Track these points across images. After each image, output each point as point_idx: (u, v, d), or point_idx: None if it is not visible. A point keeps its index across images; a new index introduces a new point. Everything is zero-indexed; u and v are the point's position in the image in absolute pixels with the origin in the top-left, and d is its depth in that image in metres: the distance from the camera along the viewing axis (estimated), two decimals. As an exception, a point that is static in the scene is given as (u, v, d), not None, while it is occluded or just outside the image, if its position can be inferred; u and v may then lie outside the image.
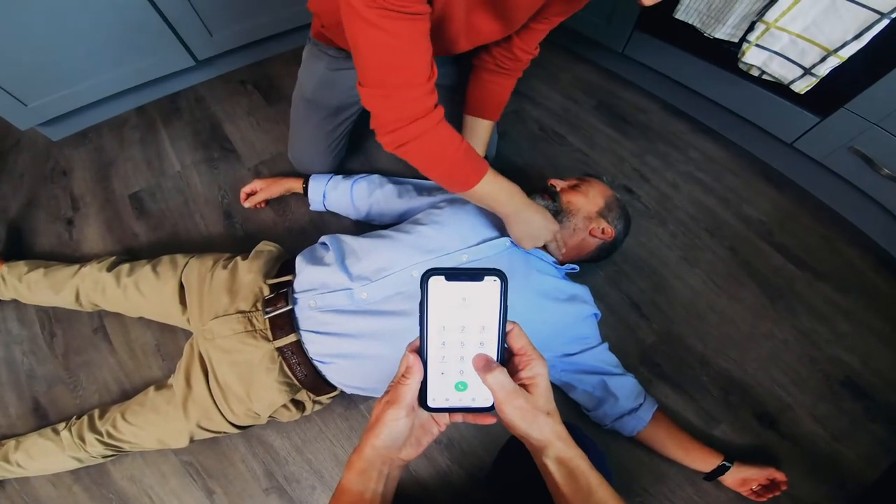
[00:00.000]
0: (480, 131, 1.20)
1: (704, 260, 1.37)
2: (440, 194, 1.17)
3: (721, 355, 1.21)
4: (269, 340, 0.90)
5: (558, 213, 1.06)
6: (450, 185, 0.88)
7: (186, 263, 1.06)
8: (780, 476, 0.98)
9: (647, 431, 1.02)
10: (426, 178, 1.22)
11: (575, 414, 1.11)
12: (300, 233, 1.38)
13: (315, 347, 0.90)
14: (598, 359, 1.04)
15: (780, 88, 1.30)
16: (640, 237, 1.40)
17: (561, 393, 1.10)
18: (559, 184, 1.12)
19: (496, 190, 0.91)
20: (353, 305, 0.89)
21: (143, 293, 1.06)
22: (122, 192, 1.49)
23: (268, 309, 0.91)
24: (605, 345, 1.06)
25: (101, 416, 1.00)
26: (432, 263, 0.91)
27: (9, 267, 1.18)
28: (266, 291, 0.95)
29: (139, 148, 1.62)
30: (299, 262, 0.99)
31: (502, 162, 1.55)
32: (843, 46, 1.06)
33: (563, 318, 0.99)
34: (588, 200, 1.08)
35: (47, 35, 1.32)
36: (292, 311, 0.91)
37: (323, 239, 1.03)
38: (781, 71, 1.20)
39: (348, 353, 0.88)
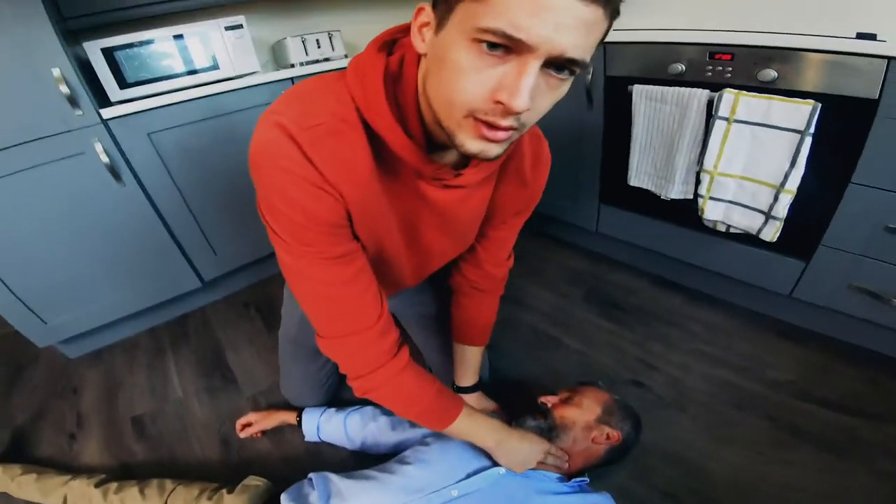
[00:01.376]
0: (469, 358, 1.18)
1: (739, 435, 1.20)
2: None
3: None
4: None
5: (552, 430, 1.03)
6: (424, 424, 0.89)
7: (173, 490, 1.06)
8: None
9: None
10: None
11: None
12: (295, 462, 1.31)
13: None
14: None
15: (756, 240, 1.31)
16: (659, 428, 1.25)
17: None
18: (550, 400, 1.10)
19: (474, 427, 0.93)
20: None
21: None
22: (126, 413, 1.51)
23: None
24: None
25: None
26: (421, 503, 0.89)
27: (3, 467, 1.22)
28: None
29: (146, 373, 1.66)
30: (285, 500, 0.96)
31: (498, 377, 1.46)
32: (786, 179, 1.11)
33: None
34: (582, 411, 1.05)
35: (69, 257, 1.49)
36: None
37: (311, 475, 1.00)
38: (744, 221, 1.23)
39: None
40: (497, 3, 0.42)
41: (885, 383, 1.27)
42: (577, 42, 0.44)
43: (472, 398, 1.20)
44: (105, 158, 1.41)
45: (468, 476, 0.92)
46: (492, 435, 0.93)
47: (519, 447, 0.94)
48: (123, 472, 1.26)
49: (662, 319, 1.60)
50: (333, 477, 0.98)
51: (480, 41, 0.45)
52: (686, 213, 1.40)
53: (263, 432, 1.38)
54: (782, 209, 1.15)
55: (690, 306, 1.63)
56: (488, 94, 0.48)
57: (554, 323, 1.67)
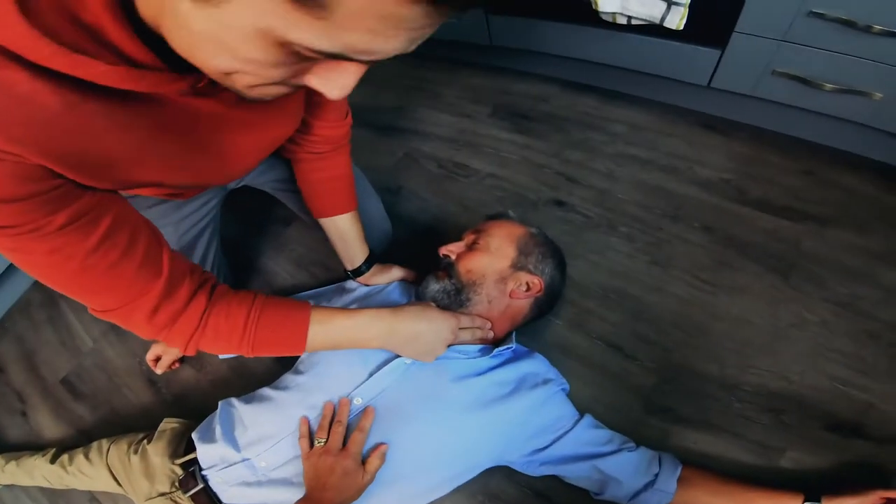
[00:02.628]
0: (344, 229, 0.97)
1: (679, 255, 1.11)
2: None
3: (748, 370, 0.94)
4: None
5: (460, 291, 0.85)
6: (278, 353, 0.71)
7: (108, 449, 1.06)
8: (893, 494, 0.72)
9: (680, 499, 0.79)
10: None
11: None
12: (224, 384, 1.27)
13: None
14: (579, 441, 0.82)
15: (663, 31, 1.07)
16: (591, 256, 1.14)
17: (558, 480, 0.87)
18: (453, 250, 0.90)
19: (341, 331, 0.72)
20: (257, 476, 0.80)
21: (91, 477, 1.07)
22: (53, 378, 1.47)
23: (184, 489, 0.87)
24: (586, 420, 0.84)
25: None
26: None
27: None
28: (178, 471, 0.90)
29: (50, 329, 1.57)
30: (195, 439, 0.89)
31: (406, 227, 1.31)
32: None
33: (514, 417, 0.79)
34: (493, 257, 0.87)
35: None
36: (209, 487, 0.85)
37: (220, 404, 0.94)
38: (644, 10, 1.03)
39: None
40: (336, 24, 0.27)
41: (820, 173, 1.15)
42: None
43: (371, 278, 1.03)
44: None
45: (370, 376, 0.79)
46: (369, 330, 0.73)
47: (416, 332, 0.75)
48: (82, 437, 1.24)
49: (579, 123, 1.40)
50: (236, 403, 0.90)
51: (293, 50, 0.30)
52: (583, 9, 1.12)
53: (182, 360, 1.31)
54: (684, -7, 0.91)
55: (608, 107, 1.42)
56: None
57: (459, 148, 1.46)
